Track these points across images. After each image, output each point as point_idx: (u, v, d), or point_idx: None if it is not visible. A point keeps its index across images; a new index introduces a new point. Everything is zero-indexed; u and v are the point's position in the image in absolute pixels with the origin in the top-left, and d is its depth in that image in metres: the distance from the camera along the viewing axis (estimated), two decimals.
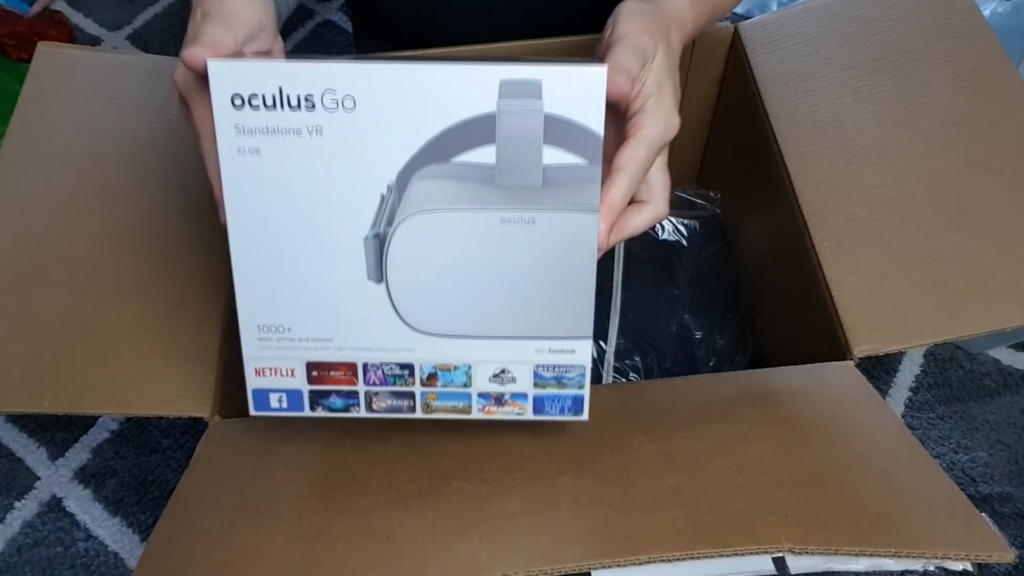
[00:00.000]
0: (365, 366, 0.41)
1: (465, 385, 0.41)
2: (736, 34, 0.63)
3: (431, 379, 0.41)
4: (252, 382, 0.42)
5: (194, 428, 0.75)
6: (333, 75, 0.36)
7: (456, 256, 0.39)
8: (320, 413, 0.42)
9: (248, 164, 0.37)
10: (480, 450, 0.43)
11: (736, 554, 0.35)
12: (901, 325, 0.48)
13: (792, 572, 0.36)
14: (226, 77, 0.35)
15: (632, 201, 0.39)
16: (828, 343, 0.50)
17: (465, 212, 0.38)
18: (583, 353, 0.40)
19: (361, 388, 0.42)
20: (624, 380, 0.67)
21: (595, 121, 0.36)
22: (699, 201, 0.77)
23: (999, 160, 0.52)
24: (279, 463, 0.44)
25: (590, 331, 0.40)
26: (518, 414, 0.42)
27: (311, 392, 0.42)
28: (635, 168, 0.37)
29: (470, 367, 0.41)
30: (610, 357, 0.67)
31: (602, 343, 0.68)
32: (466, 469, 0.41)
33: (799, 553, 0.36)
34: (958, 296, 0.48)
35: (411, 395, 0.42)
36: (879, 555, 0.36)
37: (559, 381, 0.41)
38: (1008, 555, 0.35)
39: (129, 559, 0.69)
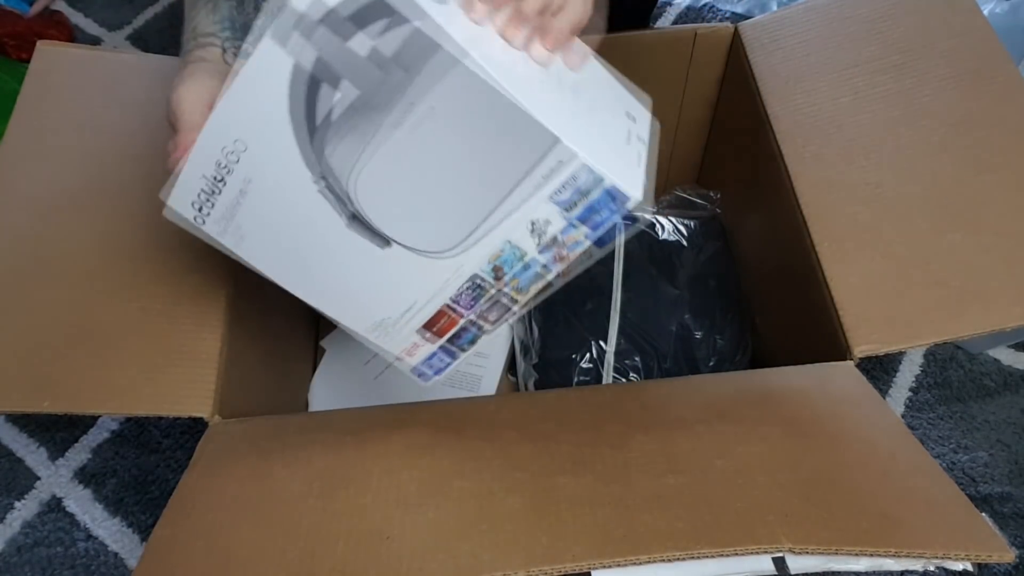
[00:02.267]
0: (450, 305, 0.44)
1: (522, 257, 0.42)
2: (736, 34, 0.63)
3: (498, 273, 0.43)
4: (406, 364, 0.47)
5: (194, 428, 0.75)
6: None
7: (413, 177, 0.40)
8: (468, 350, 0.46)
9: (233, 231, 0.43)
10: (480, 450, 0.43)
11: (736, 554, 0.35)
12: (901, 325, 0.48)
13: (792, 572, 0.36)
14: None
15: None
16: (828, 343, 0.50)
17: (383, 145, 0.39)
18: (568, 155, 0.38)
19: (467, 317, 0.45)
20: (624, 380, 0.67)
21: None
22: (699, 201, 0.77)
23: (999, 160, 0.52)
24: (279, 463, 0.44)
25: (557, 137, 0.38)
26: (582, 245, 0.41)
27: (442, 347, 0.46)
28: None
29: (509, 242, 0.42)
30: (610, 357, 0.67)
31: (602, 343, 0.68)
32: (466, 469, 0.41)
33: (799, 553, 0.36)
34: (958, 296, 0.48)
35: (499, 295, 0.44)
36: (879, 555, 0.36)
37: (580, 192, 0.40)
38: (1008, 555, 0.35)
39: (129, 559, 0.69)
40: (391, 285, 0.44)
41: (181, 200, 0.43)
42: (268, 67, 0.37)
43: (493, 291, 0.43)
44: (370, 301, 0.45)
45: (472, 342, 0.46)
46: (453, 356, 0.47)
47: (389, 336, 0.46)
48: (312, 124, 0.39)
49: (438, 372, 0.48)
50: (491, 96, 0.37)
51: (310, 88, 0.38)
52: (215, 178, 0.41)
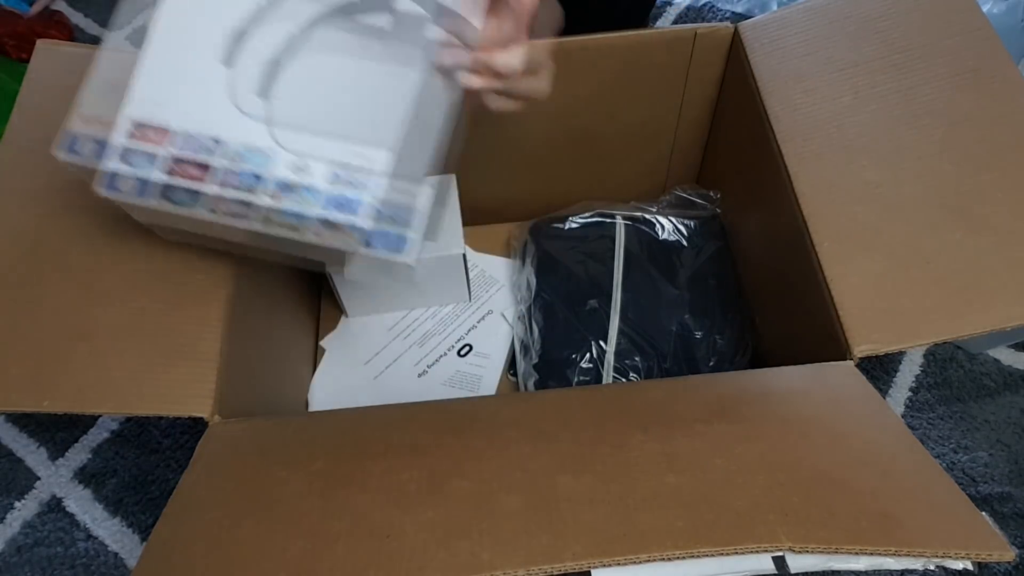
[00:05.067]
0: (222, 171, 0.43)
1: (258, 177, 0.43)
2: (736, 34, 0.63)
3: (236, 162, 0.43)
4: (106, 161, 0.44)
5: (194, 428, 0.75)
6: None
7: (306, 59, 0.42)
8: (176, 203, 0.43)
9: None
10: (480, 450, 0.43)
11: (736, 553, 0.35)
12: (901, 325, 0.48)
13: (792, 571, 0.36)
14: None
15: None
16: (828, 343, 0.50)
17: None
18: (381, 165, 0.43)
19: (213, 182, 0.43)
20: (624, 380, 0.67)
21: None
22: (699, 201, 0.77)
23: (1000, 159, 0.52)
24: (279, 463, 0.44)
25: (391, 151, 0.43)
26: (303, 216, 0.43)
27: (177, 161, 0.44)
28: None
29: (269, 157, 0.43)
30: (610, 357, 0.67)
31: (602, 343, 0.68)
32: (466, 468, 0.41)
33: (799, 552, 0.36)
34: (958, 296, 0.48)
35: (205, 165, 0.43)
36: (879, 554, 0.36)
37: (353, 183, 0.43)
38: (1009, 554, 0.35)
39: (129, 559, 0.69)
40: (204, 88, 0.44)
41: None
42: None
43: (259, 199, 0.42)
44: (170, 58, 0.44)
45: (177, 203, 0.43)
46: (145, 192, 0.43)
47: (114, 96, 0.43)
48: None
49: (116, 189, 0.43)
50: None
51: None
52: None
